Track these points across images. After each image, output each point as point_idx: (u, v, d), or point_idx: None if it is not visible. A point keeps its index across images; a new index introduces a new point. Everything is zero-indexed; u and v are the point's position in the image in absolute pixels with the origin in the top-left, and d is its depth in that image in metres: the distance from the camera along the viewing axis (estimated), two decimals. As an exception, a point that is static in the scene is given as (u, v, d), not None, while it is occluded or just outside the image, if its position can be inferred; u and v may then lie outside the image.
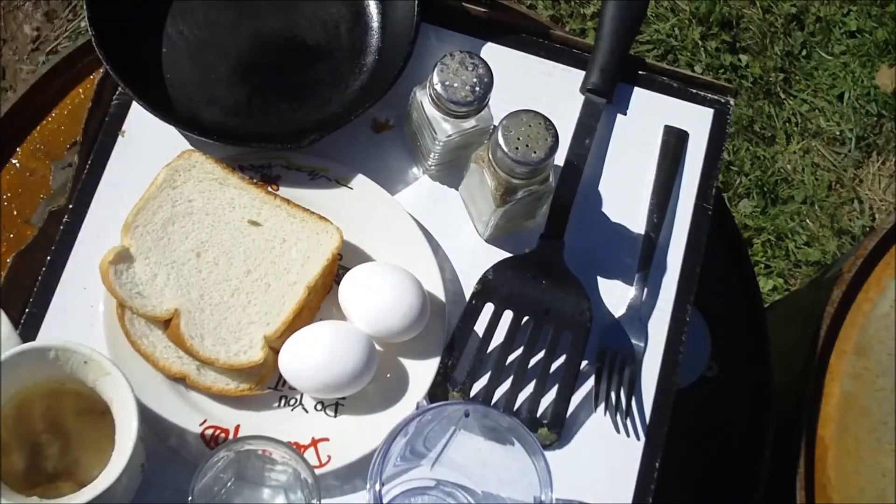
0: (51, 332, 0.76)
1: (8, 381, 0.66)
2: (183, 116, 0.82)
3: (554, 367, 0.78)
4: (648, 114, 0.87)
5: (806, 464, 0.87)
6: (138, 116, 0.82)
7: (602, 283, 0.82)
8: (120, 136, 0.82)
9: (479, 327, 0.77)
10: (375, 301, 0.74)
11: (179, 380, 0.76)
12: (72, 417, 0.70)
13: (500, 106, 0.77)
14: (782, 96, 1.83)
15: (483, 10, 0.88)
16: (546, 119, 0.74)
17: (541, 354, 0.78)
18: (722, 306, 0.90)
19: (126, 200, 0.78)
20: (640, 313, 0.80)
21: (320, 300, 0.79)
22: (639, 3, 0.87)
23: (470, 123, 0.77)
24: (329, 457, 0.74)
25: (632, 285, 0.81)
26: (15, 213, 0.85)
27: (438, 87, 0.74)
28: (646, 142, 0.86)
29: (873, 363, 0.90)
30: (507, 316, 0.77)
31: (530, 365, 0.78)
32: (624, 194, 0.85)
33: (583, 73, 0.87)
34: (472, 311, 0.77)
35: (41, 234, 0.80)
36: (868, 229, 1.73)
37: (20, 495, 0.65)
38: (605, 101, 0.85)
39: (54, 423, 0.69)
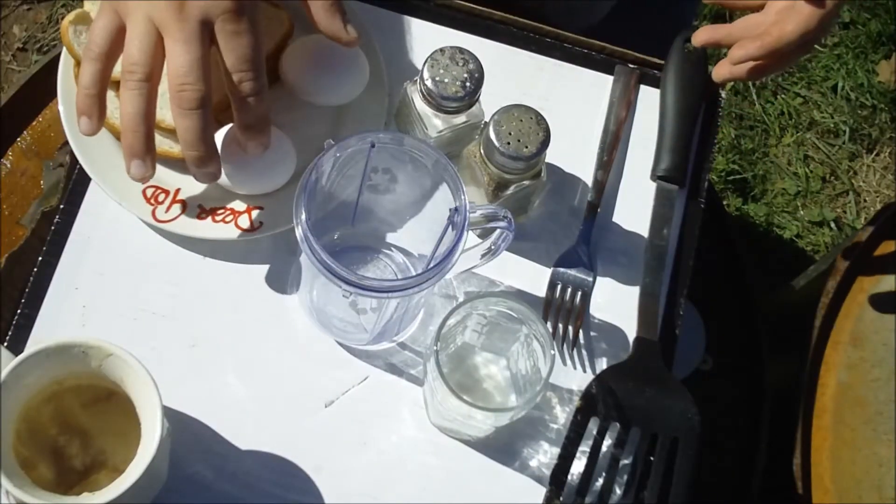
0: (43, 333, 0.76)
1: (14, 396, 0.66)
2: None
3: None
4: (640, 108, 0.87)
5: (802, 455, 0.87)
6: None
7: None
8: (111, 135, 0.82)
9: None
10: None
11: None
12: (80, 412, 0.70)
13: (490, 101, 0.77)
14: (776, 89, 1.84)
15: (473, 5, 0.88)
16: (537, 114, 0.74)
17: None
18: (716, 299, 0.90)
19: (117, 200, 0.78)
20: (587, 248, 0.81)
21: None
22: (701, 81, 0.85)
23: (461, 119, 0.77)
24: (261, 223, 0.78)
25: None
26: (7, 213, 0.85)
27: (429, 83, 0.74)
28: (637, 134, 0.86)
29: (868, 353, 0.90)
30: (615, 428, 0.75)
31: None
32: (626, 191, 0.85)
33: (574, 67, 0.87)
34: (578, 427, 0.75)
35: (33, 234, 0.80)
36: (863, 220, 1.74)
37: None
38: (679, 187, 0.83)
39: (66, 423, 0.69)
